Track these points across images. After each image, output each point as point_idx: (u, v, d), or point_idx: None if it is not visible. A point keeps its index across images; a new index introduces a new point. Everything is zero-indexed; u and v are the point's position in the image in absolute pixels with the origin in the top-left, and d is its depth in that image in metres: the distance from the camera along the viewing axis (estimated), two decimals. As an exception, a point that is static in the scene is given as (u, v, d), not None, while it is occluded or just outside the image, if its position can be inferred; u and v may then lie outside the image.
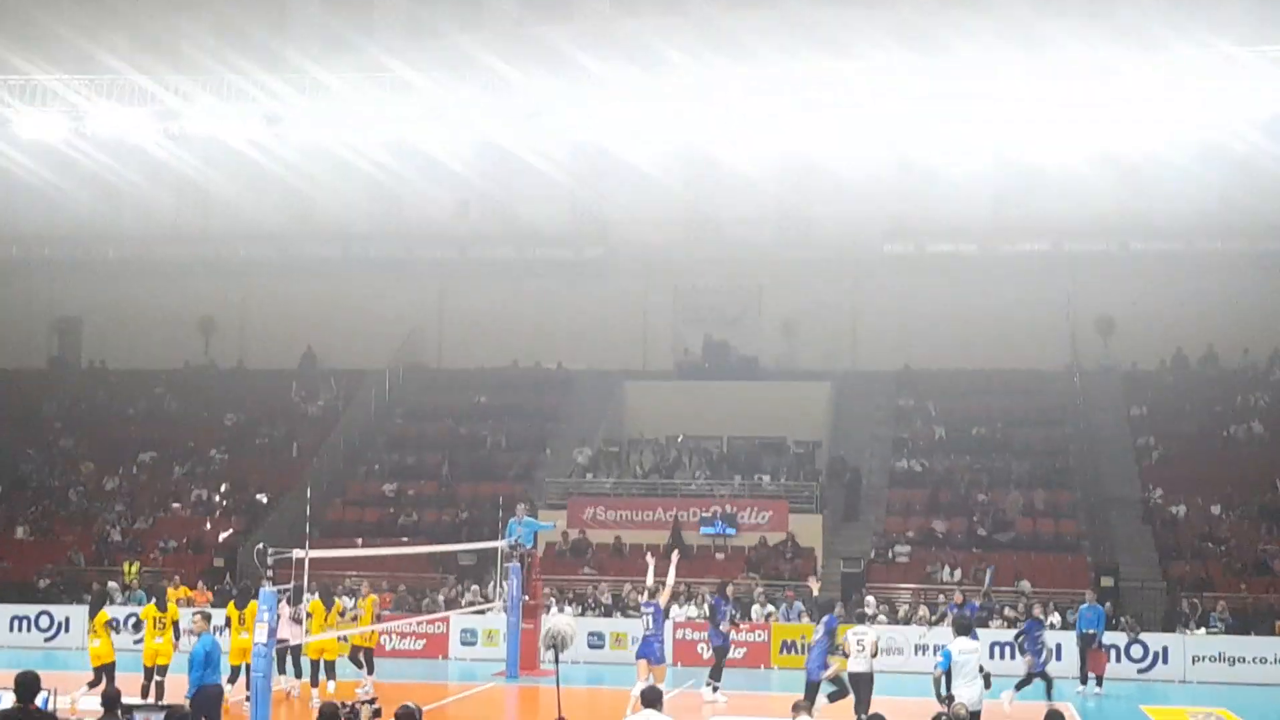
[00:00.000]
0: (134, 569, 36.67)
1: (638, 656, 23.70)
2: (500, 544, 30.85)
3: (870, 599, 31.69)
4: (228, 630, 24.77)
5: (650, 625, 24.09)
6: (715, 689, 25.14)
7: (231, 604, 25.85)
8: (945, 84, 36.71)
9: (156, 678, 22.64)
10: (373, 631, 25.90)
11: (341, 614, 25.81)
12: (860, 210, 44.51)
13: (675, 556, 25.61)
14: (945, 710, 16.16)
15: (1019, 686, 25.41)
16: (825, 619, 21.78)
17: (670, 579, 24.72)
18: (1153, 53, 36.02)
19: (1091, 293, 46.20)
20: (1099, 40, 38.67)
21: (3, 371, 49.38)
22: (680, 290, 48.47)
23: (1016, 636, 28.98)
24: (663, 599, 24.35)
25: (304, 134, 40.47)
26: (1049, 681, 25.63)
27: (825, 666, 21.42)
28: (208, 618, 21.63)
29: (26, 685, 12.13)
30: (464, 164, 44.36)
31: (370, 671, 25.31)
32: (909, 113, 38.42)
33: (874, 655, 21.52)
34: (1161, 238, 45.29)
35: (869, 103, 37.58)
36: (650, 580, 24.89)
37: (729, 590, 27.07)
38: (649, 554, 28.09)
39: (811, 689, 21.12)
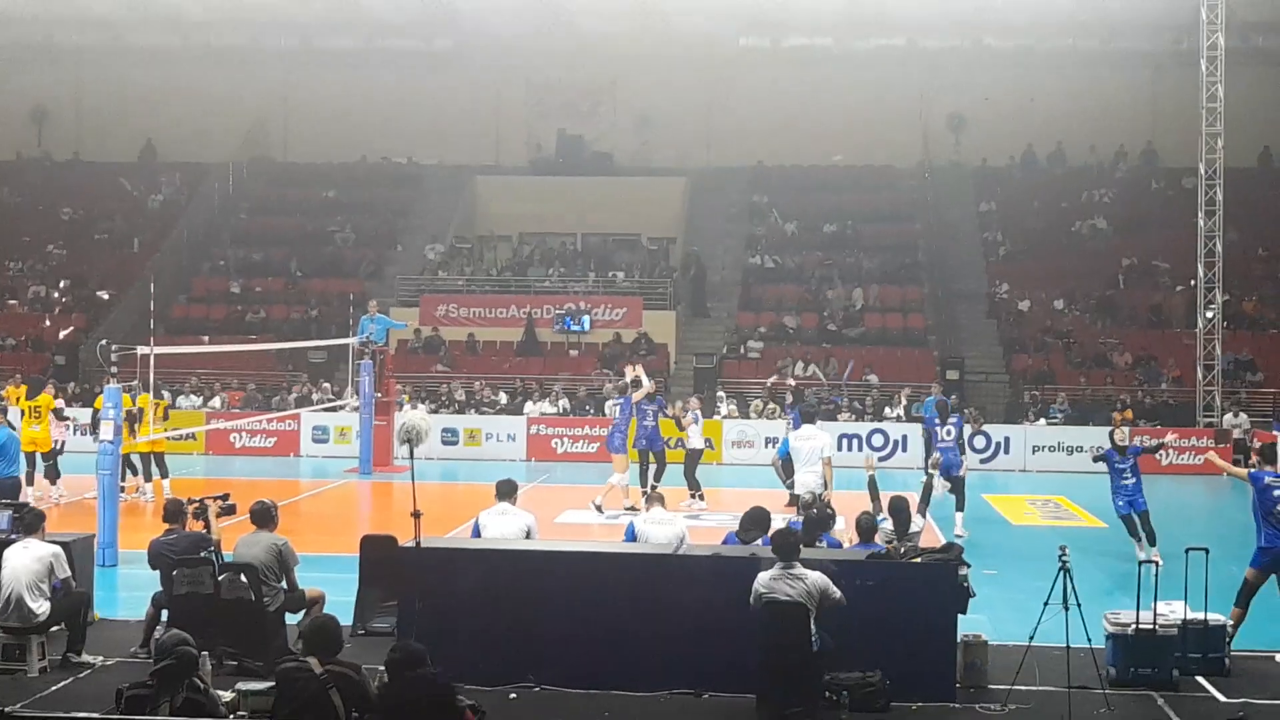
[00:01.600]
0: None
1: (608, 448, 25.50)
2: (352, 341, 31.05)
3: (721, 394, 32.66)
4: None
5: (618, 416, 26.02)
6: (694, 495, 25.63)
7: (17, 390, 26.11)
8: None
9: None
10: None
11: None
12: (717, 3, 43.97)
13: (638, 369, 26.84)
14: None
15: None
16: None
17: (646, 382, 25.74)
18: None
19: (944, 89, 46.55)
20: None
21: None
22: (532, 84, 47.73)
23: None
24: (636, 396, 25.20)
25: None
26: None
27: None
28: (3, 411, 21.80)
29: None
30: (306, -53, 42.93)
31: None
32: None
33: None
34: (1014, 35, 45.45)
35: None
36: (628, 377, 26.33)
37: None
38: (634, 364, 28.72)
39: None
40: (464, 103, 46.79)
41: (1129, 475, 19.90)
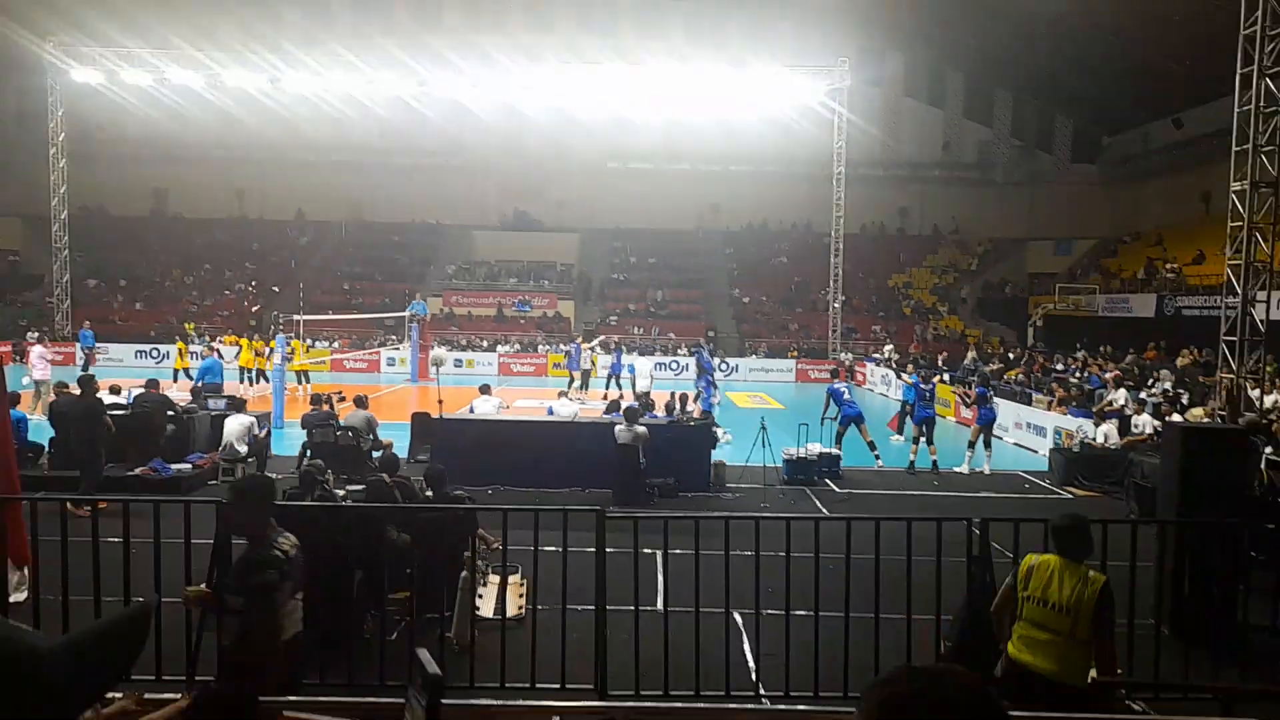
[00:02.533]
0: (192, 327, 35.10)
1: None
2: (406, 314, 30.51)
3: (594, 344, 32.81)
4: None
5: (572, 353, 26.39)
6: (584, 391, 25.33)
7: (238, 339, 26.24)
8: None
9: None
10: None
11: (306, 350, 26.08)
12: (596, 143, 43.13)
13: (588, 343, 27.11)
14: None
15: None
16: None
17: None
18: None
19: (710, 189, 45.69)
20: None
21: None
22: (504, 185, 46.50)
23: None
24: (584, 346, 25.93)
25: None
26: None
27: None
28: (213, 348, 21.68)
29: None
30: None
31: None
32: None
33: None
34: (746, 162, 44.60)
35: None
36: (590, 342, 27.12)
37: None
38: (585, 341, 28.49)
39: None
40: (467, 190, 45.65)
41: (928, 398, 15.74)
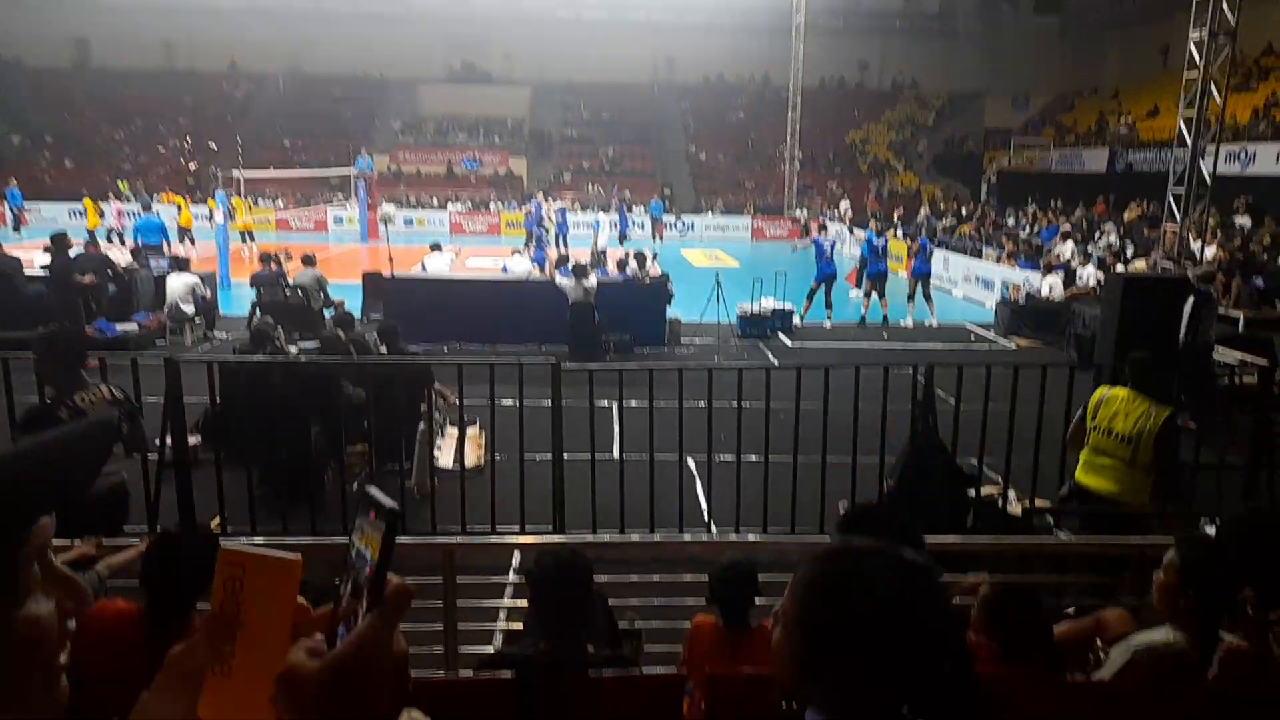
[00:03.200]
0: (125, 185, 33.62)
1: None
2: (353, 170, 29.48)
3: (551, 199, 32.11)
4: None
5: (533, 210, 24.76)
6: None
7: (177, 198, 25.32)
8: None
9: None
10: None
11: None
12: (545, -10, 41.55)
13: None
14: None
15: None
16: None
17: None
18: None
19: (664, 42, 43.96)
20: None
21: None
22: (453, 41, 44.67)
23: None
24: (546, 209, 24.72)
25: None
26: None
27: None
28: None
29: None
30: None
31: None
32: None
33: None
34: (700, 14, 42.92)
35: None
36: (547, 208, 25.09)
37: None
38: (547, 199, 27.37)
39: None
40: (411, 41, 42.66)
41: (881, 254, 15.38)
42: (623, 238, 21.55)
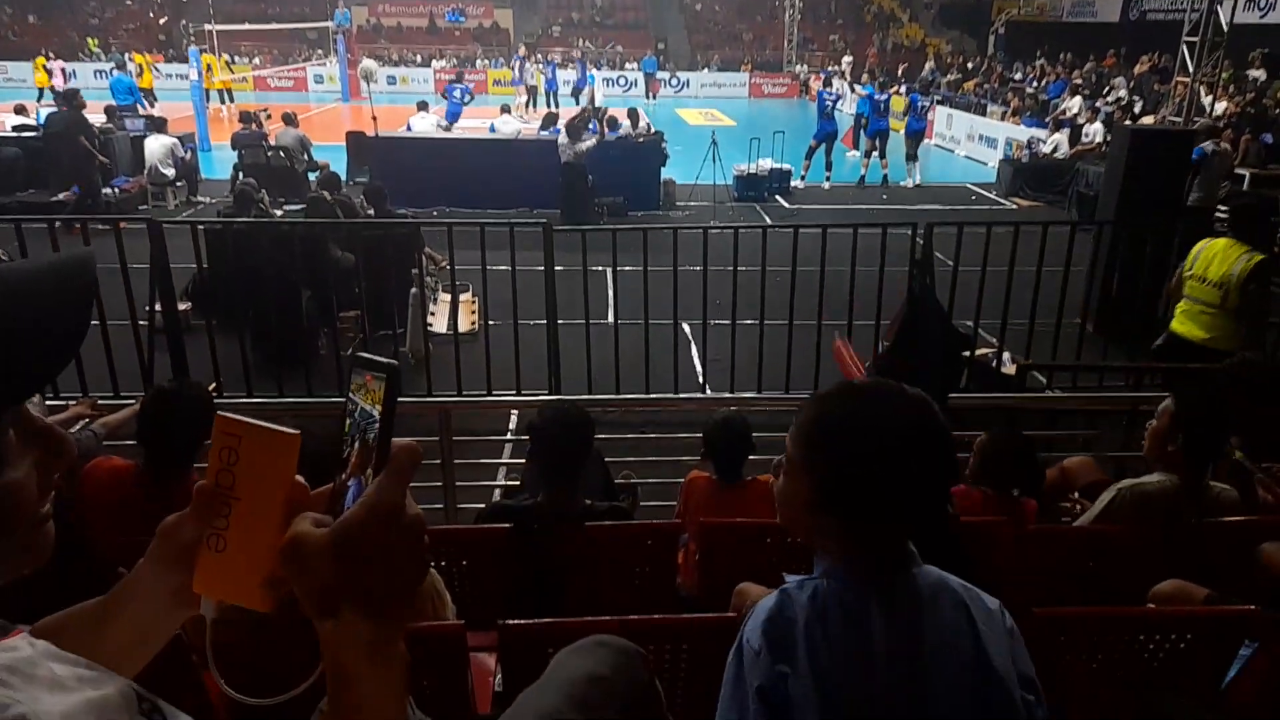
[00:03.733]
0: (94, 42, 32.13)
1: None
2: (330, 24, 28.10)
3: (538, 58, 30.70)
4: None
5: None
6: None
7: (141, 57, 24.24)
8: None
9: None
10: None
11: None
12: None
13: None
14: None
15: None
16: None
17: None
18: None
19: None
20: None
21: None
22: None
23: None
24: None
25: None
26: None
27: None
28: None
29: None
30: None
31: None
32: None
33: None
34: None
35: None
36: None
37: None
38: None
39: None
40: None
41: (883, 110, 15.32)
42: (576, 94, 20.96)
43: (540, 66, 26.38)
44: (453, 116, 17.97)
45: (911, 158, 15.25)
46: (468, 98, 20.35)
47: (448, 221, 5.92)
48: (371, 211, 7.68)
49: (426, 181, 12.41)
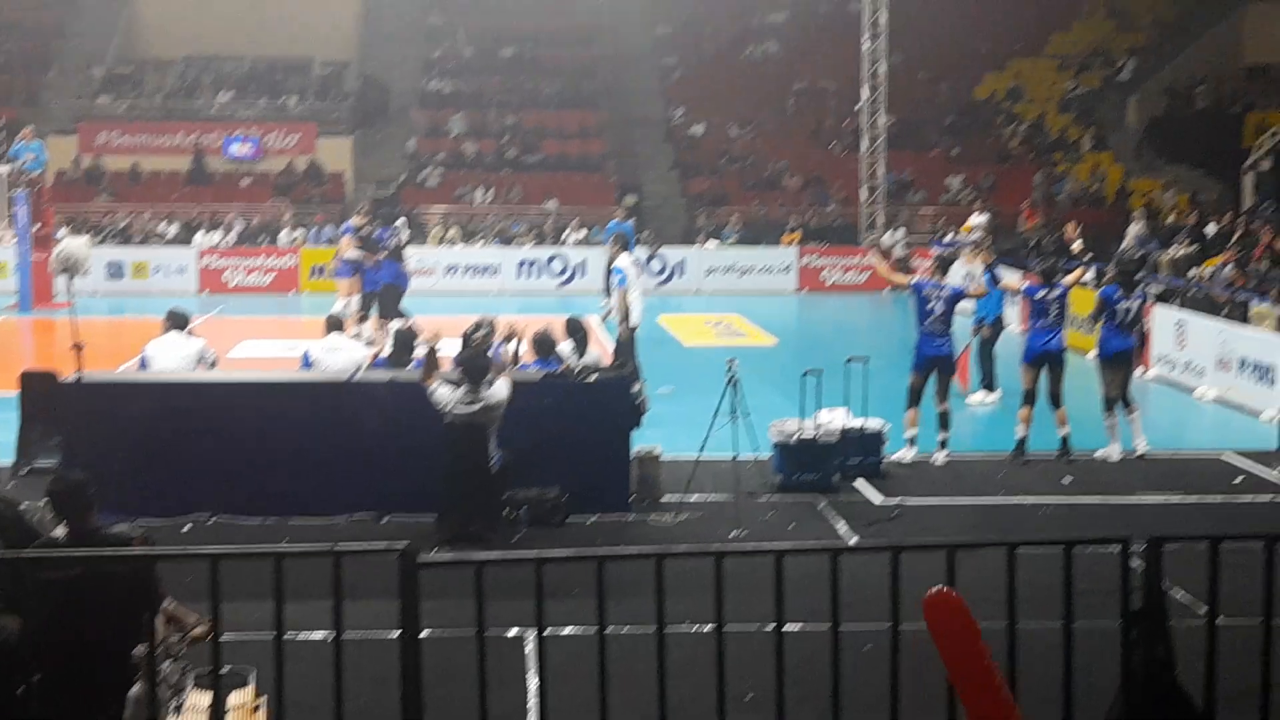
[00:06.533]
0: None
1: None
2: (2, 169, 29.65)
3: (402, 220, 32.24)
4: None
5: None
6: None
7: None
8: None
9: None
10: None
11: None
12: None
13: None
14: None
15: None
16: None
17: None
18: None
19: None
20: None
21: None
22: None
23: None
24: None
25: None
26: None
27: None
28: None
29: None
30: None
31: None
32: None
33: None
34: None
35: None
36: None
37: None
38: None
39: None
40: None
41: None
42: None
43: (399, 232, 27.40)
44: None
45: (1113, 404, 15.75)
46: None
47: (215, 550, 6.01)
48: (61, 531, 7.79)
49: (177, 465, 12.64)
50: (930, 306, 15.47)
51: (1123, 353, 16.00)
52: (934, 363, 15.46)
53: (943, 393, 15.48)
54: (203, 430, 12.95)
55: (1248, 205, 33.52)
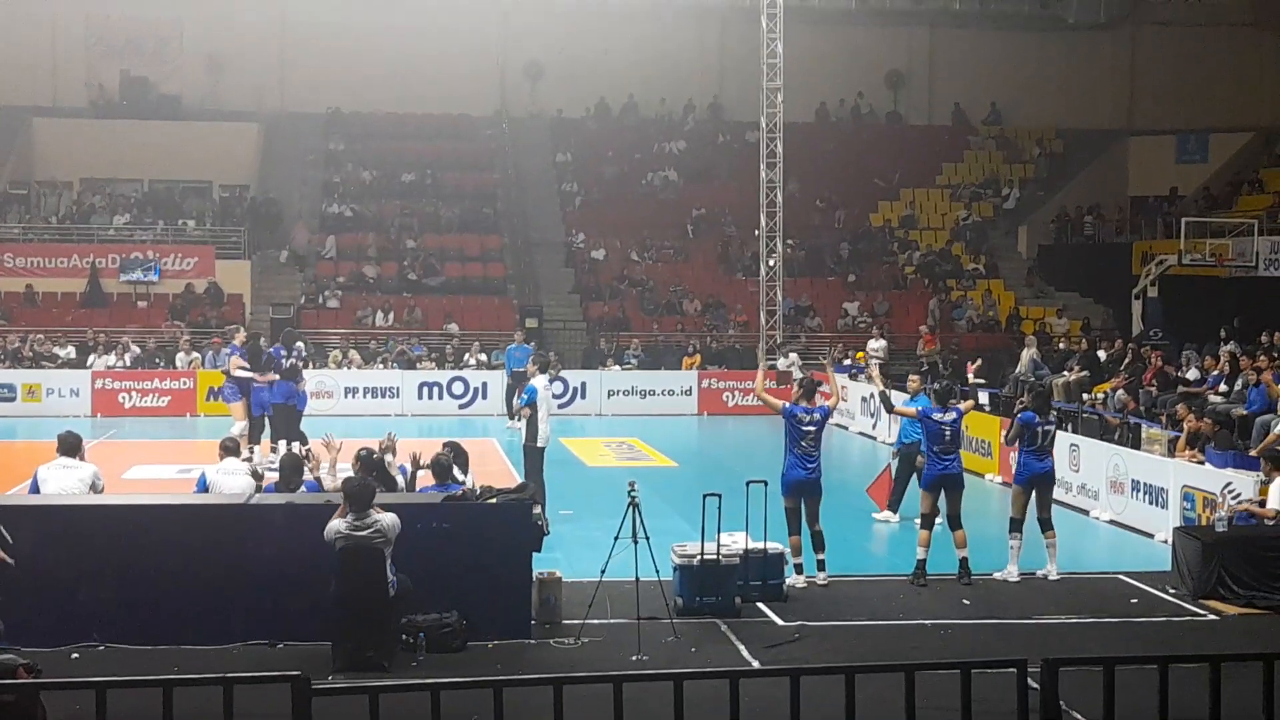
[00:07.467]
0: None
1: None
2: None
3: (300, 345, 32.09)
4: None
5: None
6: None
7: None
8: None
9: None
10: None
11: None
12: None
13: None
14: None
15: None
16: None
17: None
18: None
19: (520, 37, 46.45)
20: None
21: None
22: (92, 19, 45.02)
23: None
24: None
25: None
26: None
27: None
28: None
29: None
30: None
31: None
32: None
33: None
34: None
35: None
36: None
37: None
38: None
39: None
40: (16, 38, 43.72)
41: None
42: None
43: (301, 353, 27.28)
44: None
45: (1019, 526, 15.88)
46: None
47: (101, 680, 5.88)
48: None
49: (66, 591, 12.43)
50: (804, 429, 15.63)
51: (1042, 475, 16.19)
52: (805, 486, 15.57)
53: (813, 516, 15.55)
54: (93, 555, 12.74)
55: (1137, 331, 34.26)
